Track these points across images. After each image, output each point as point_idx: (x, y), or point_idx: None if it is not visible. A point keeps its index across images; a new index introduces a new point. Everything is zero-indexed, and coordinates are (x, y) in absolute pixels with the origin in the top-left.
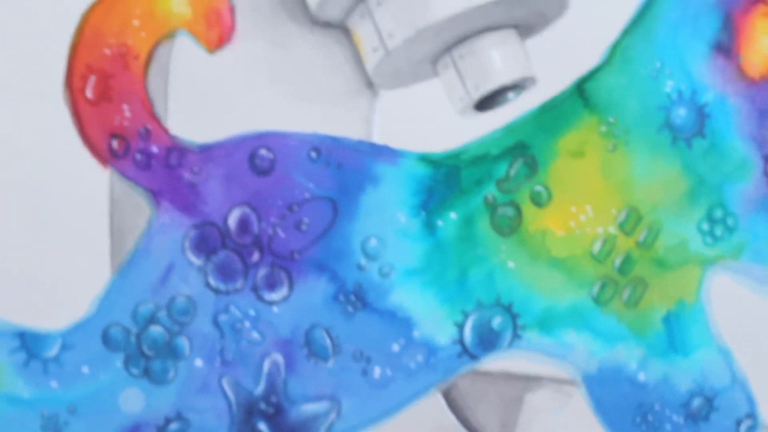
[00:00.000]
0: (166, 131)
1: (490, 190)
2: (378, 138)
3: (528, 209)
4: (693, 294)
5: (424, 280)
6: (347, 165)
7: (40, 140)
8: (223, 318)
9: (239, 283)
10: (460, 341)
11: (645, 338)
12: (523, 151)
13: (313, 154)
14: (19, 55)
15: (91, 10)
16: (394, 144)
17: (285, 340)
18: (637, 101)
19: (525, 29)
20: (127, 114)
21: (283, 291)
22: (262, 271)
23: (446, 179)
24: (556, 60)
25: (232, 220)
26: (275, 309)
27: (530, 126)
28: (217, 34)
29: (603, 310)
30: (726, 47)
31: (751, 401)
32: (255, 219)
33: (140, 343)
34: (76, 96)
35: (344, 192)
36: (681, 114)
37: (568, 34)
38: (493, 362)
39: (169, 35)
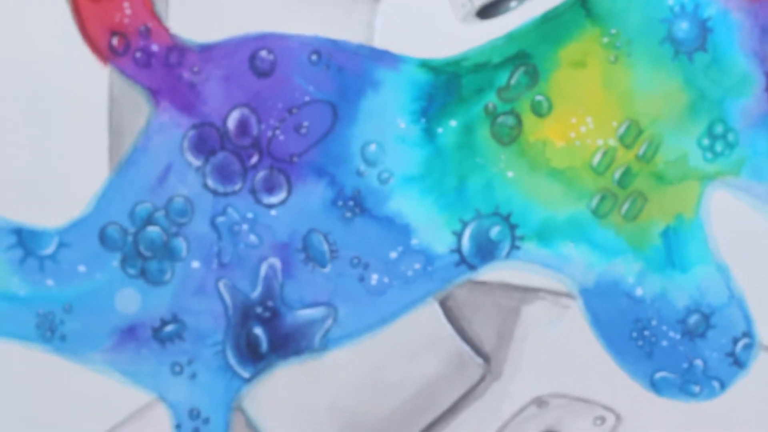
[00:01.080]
0: (166, 30)
1: (491, 99)
2: (379, 43)
3: (528, 119)
4: (692, 209)
5: (422, 187)
6: (348, 68)
7: (39, 37)
8: (220, 220)
9: (237, 186)
10: (458, 250)
11: (643, 252)
12: (525, 60)
13: (314, 57)
14: None
15: None
16: (395, 49)
17: (282, 244)
18: (639, 13)
19: None
20: (128, 11)
21: (281, 194)
22: (261, 174)
23: (447, 86)
24: None
25: (232, 122)
26: (273, 212)
27: (532, 35)
28: None
29: (602, 222)
30: None
31: (748, 319)
32: (254, 121)
33: (137, 243)
34: None
35: (344, 96)
36: (683, 27)
37: None
38: (490, 272)
39: None
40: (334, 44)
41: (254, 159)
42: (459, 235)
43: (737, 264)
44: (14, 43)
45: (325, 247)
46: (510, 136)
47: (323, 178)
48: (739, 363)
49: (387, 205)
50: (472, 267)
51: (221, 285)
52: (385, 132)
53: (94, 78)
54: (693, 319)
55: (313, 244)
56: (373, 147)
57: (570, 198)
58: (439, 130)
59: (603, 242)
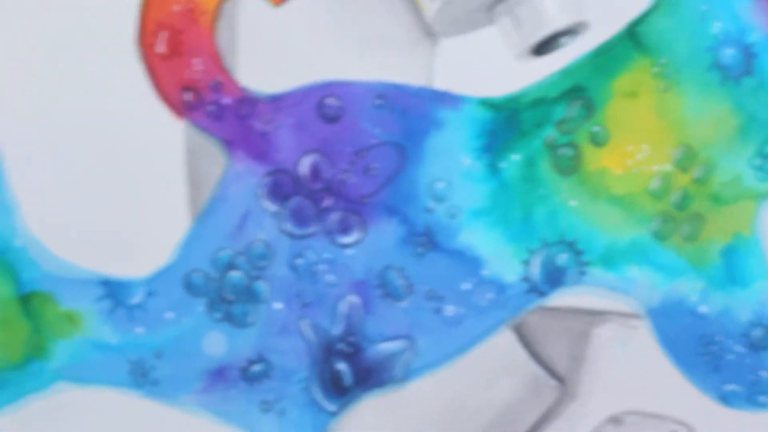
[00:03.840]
0: (236, 83)
1: (550, 132)
2: (439, 84)
3: (587, 149)
4: (749, 227)
5: (490, 220)
6: (411, 111)
7: (117, 96)
8: (299, 262)
9: (313, 228)
10: (528, 278)
11: (704, 271)
12: (580, 93)
13: (379, 101)
14: (93, 14)
15: None
16: (455, 89)
17: (360, 281)
18: (686, 43)
19: None
20: (198, 67)
21: (355, 234)
22: (335, 216)
23: (507, 122)
24: (608, 4)
25: (304, 167)
26: (349, 252)
27: (585, 69)
28: None
29: (663, 244)
30: None
31: None
32: (325, 165)
33: (221, 288)
34: (148, 52)
35: (410, 137)
36: (729, 53)
37: None
38: (559, 298)
39: None
40: (397, 88)
41: (327, 202)
42: (527, 264)
43: None
44: (93, 105)
45: (401, 282)
46: (570, 166)
47: (394, 217)
48: None
49: (457, 239)
50: (542, 294)
51: (303, 324)
52: (451, 169)
53: (171, 132)
54: (756, 332)
55: (389, 280)
56: (440, 184)
57: (631, 223)
58: (503, 164)
59: (665, 263)
